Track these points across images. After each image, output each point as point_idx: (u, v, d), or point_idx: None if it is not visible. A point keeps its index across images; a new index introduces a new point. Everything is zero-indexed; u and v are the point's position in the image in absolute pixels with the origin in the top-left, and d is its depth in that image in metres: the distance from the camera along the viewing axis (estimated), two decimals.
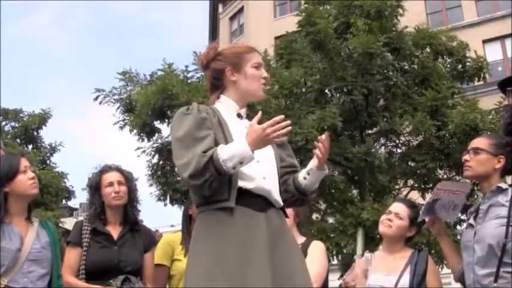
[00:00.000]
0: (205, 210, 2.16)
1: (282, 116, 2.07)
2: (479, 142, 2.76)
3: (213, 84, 2.40)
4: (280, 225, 2.19)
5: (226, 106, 2.34)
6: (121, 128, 11.41)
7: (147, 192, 11.55)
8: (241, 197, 2.13)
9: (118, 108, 11.42)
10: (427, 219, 2.96)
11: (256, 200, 2.15)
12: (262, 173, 2.19)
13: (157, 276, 3.16)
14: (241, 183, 2.14)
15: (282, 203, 2.26)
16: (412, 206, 3.21)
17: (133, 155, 11.52)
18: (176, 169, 2.18)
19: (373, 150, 9.67)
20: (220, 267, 2.02)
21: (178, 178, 11.75)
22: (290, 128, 2.08)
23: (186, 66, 11.26)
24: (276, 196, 2.22)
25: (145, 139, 11.26)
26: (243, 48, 2.41)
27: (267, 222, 2.12)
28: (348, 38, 10.12)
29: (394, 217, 3.13)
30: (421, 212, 2.97)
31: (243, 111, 2.39)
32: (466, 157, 2.74)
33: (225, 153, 2.05)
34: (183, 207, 3.51)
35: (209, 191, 2.09)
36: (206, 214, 2.15)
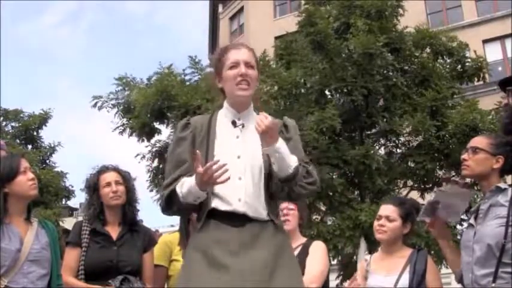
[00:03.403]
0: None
1: (218, 160, 2.06)
2: (478, 141, 2.75)
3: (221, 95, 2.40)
4: (260, 235, 2.15)
5: (224, 113, 2.35)
6: (121, 133, 11.44)
7: (147, 193, 11.58)
8: (215, 213, 2.17)
9: (117, 112, 11.45)
10: (427, 221, 2.95)
11: (230, 217, 2.15)
12: (238, 193, 2.16)
13: (155, 276, 3.16)
14: (214, 204, 2.17)
15: (267, 216, 2.20)
16: (400, 203, 3.20)
17: (133, 156, 11.55)
18: None
19: (371, 152, 9.66)
20: (189, 275, 2.12)
21: None
22: (227, 168, 2.05)
23: (184, 70, 11.31)
24: (256, 213, 2.17)
25: (145, 140, 11.27)
26: (220, 52, 2.37)
27: (240, 233, 2.12)
28: (348, 38, 10.12)
29: (385, 221, 3.12)
30: (420, 212, 2.96)
31: (243, 115, 2.32)
32: (464, 156, 2.74)
33: (183, 189, 2.15)
34: None
35: (189, 214, 2.24)
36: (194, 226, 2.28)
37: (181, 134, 2.29)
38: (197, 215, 2.24)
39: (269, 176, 2.23)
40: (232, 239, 2.11)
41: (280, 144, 2.15)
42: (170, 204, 2.21)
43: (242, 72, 2.25)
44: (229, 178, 2.06)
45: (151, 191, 11.39)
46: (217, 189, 2.16)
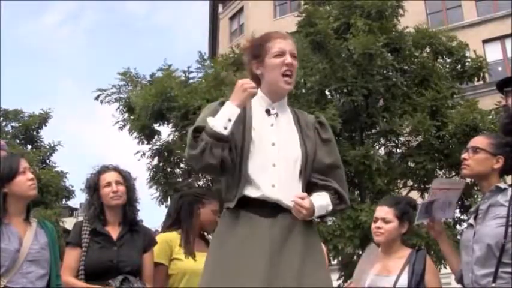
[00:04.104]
0: (225, 207, 2.22)
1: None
2: (479, 141, 2.75)
3: (252, 78, 2.35)
4: (291, 228, 2.14)
5: (258, 101, 2.31)
6: (120, 128, 11.41)
7: (148, 193, 11.58)
8: (247, 202, 2.13)
9: (118, 108, 11.42)
10: (425, 222, 2.94)
11: (262, 206, 2.13)
12: (272, 179, 2.14)
13: (155, 275, 3.15)
14: (246, 192, 2.13)
15: None
16: (395, 203, 3.19)
17: (133, 155, 11.55)
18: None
19: (371, 152, 9.65)
20: (219, 268, 2.08)
21: (179, 179, 11.78)
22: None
23: (189, 67, 11.27)
24: (289, 202, 2.14)
25: (145, 141, 11.26)
26: (264, 38, 2.34)
27: (272, 227, 2.10)
28: (348, 39, 10.11)
29: (381, 223, 3.12)
30: (417, 214, 2.94)
31: (277, 105, 2.31)
32: (464, 156, 2.74)
33: (217, 117, 2.12)
34: (185, 204, 3.38)
35: (214, 159, 2.08)
36: (222, 215, 2.24)
37: (218, 106, 2.23)
38: (225, 203, 2.19)
39: (305, 166, 2.22)
40: (264, 236, 2.08)
41: (317, 210, 2.16)
42: (196, 141, 2.09)
43: (288, 61, 2.25)
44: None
45: (151, 187, 11.38)
46: (251, 175, 2.14)
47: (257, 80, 2.32)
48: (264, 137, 2.21)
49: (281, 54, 2.26)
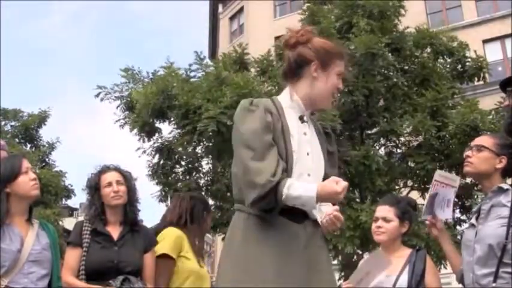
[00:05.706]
0: (245, 211, 2.14)
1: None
2: (483, 140, 2.76)
3: (292, 69, 2.27)
4: (313, 234, 2.18)
5: (291, 105, 2.26)
6: (121, 126, 11.39)
7: (148, 192, 11.55)
8: (282, 209, 2.12)
9: (119, 106, 11.40)
10: (427, 222, 2.95)
11: (296, 214, 2.13)
12: None
13: (164, 267, 3.12)
14: None
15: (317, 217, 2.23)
16: (396, 202, 3.20)
17: (134, 155, 11.55)
18: (240, 169, 2.10)
19: (371, 152, 9.65)
20: (252, 273, 2.04)
21: (179, 174, 11.77)
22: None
23: (190, 65, 11.24)
24: (315, 212, 2.20)
25: (146, 139, 11.24)
26: (336, 51, 2.30)
27: (303, 232, 2.14)
28: (350, 38, 10.10)
29: (382, 222, 3.12)
30: (423, 211, 2.95)
31: (307, 113, 2.28)
32: (468, 153, 2.74)
33: (293, 191, 2.03)
34: (199, 208, 3.39)
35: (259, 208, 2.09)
36: (245, 215, 2.14)
37: (268, 118, 2.13)
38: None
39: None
40: (296, 237, 2.11)
41: None
42: (265, 197, 2.03)
43: (341, 87, 2.29)
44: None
45: (150, 180, 11.38)
46: None
47: (296, 72, 2.25)
48: (302, 146, 2.19)
49: (340, 76, 2.28)
